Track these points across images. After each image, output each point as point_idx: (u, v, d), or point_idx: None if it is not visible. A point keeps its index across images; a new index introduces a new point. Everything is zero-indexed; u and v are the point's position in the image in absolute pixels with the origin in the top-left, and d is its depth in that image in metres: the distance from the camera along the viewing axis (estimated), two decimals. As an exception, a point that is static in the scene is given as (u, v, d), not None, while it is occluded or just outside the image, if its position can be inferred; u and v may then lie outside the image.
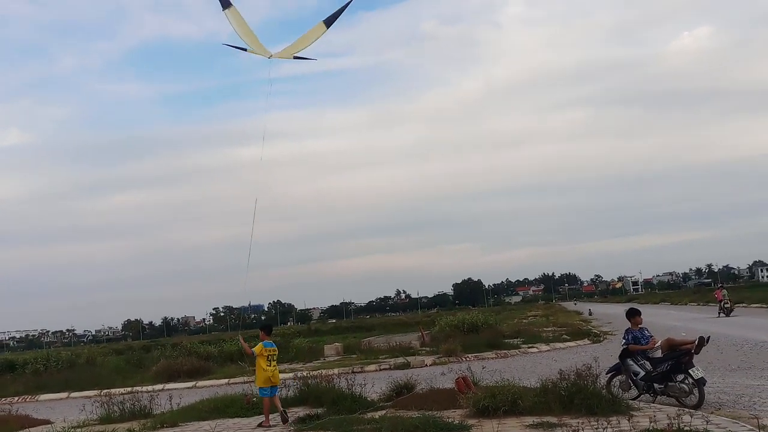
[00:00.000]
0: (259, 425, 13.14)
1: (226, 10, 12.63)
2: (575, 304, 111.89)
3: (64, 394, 26.58)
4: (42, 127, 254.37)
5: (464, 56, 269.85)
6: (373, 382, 16.95)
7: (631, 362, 12.89)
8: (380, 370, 24.96)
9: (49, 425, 15.75)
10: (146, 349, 51.09)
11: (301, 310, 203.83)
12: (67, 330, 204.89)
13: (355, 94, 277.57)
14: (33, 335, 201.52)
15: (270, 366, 13.23)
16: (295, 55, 12.93)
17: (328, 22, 12.85)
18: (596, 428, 7.40)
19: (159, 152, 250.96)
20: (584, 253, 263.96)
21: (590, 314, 60.93)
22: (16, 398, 25.43)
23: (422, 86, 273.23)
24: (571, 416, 10.59)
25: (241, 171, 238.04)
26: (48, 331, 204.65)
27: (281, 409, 13.21)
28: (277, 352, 13.82)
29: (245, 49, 12.79)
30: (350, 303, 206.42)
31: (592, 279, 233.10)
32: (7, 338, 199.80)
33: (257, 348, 13.35)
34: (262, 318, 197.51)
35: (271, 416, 13.01)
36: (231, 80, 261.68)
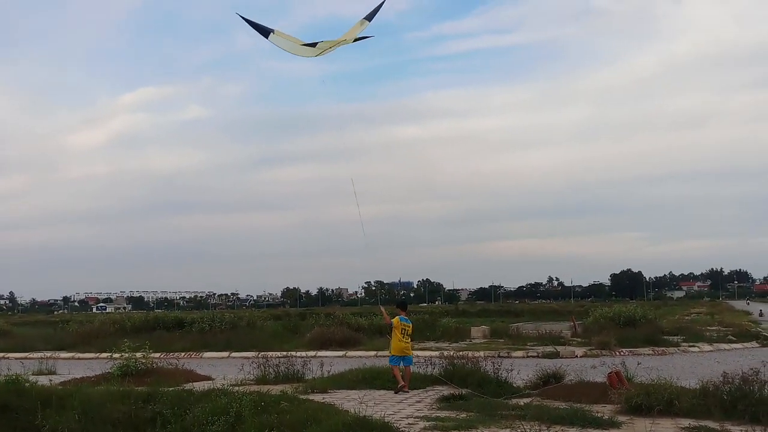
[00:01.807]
0: (399, 390, 13.98)
1: (271, 36, 12.76)
2: (748, 303, 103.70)
3: (225, 353, 28.40)
4: (219, 103, 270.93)
5: (639, 32, 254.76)
6: (520, 368, 16.70)
7: (805, 371, 11.80)
8: (527, 357, 24.58)
9: (211, 381, 16.87)
10: (302, 316, 53.33)
11: (449, 290, 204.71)
12: (232, 293, 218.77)
13: (522, 71, 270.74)
14: (201, 296, 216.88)
15: (404, 338, 14.40)
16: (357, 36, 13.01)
17: (369, 17, 12.92)
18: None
19: (323, 129, 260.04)
20: (759, 248, 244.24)
21: (761, 315, 56.53)
22: (183, 354, 27.47)
23: (593, 64, 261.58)
24: (732, 423, 9.90)
25: (397, 149, 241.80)
26: (214, 294, 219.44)
27: (407, 382, 14.23)
28: (411, 328, 14.87)
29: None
30: (500, 286, 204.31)
31: (765, 277, 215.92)
32: (177, 298, 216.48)
33: (395, 320, 14.50)
34: (411, 295, 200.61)
35: None
36: (393, 59, 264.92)
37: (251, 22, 12.69)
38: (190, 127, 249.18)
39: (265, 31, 12.72)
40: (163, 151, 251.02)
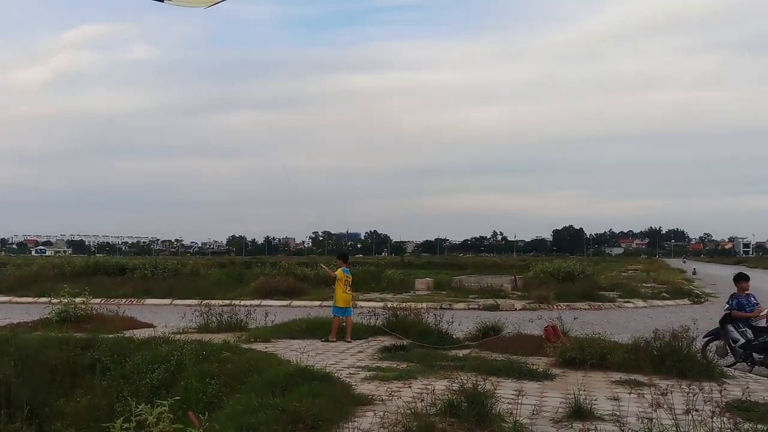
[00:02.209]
0: (326, 340, 14.38)
1: None
2: (684, 261, 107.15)
3: (167, 301, 28.18)
4: (167, 42, 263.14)
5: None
6: (461, 320, 17.04)
7: (731, 328, 12.37)
8: (469, 309, 25.06)
9: (152, 329, 16.77)
10: (247, 265, 53.11)
11: (396, 242, 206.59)
12: (176, 240, 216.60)
13: (477, 26, 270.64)
14: (144, 242, 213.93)
15: (348, 290, 14.88)
16: None
17: None
18: (686, 392, 7.14)
19: (277, 74, 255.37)
20: (696, 208, 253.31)
21: (694, 273, 58.68)
22: (124, 300, 27.14)
23: (547, 22, 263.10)
24: (660, 377, 10.30)
25: (351, 99, 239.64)
26: (158, 240, 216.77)
27: (348, 333, 14.71)
28: (351, 279, 15.33)
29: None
30: (445, 240, 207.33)
31: (700, 237, 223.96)
32: (119, 243, 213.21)
33: (338, 272, 14.81)
34: (358, 246, 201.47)
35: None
36: (350, 7, 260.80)
37: None
38: (135, 67, 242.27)
39: None
40: (106, 92, 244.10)
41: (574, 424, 7.68)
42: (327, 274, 15.88)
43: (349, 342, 14.33)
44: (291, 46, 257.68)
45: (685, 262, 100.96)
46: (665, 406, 6.85)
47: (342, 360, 12.08)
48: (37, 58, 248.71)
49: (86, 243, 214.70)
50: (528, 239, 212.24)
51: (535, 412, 8.19)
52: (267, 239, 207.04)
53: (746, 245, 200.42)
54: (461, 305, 25.88)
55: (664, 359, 10.84)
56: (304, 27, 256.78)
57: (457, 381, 8.13)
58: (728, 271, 46.24)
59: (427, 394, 8.11)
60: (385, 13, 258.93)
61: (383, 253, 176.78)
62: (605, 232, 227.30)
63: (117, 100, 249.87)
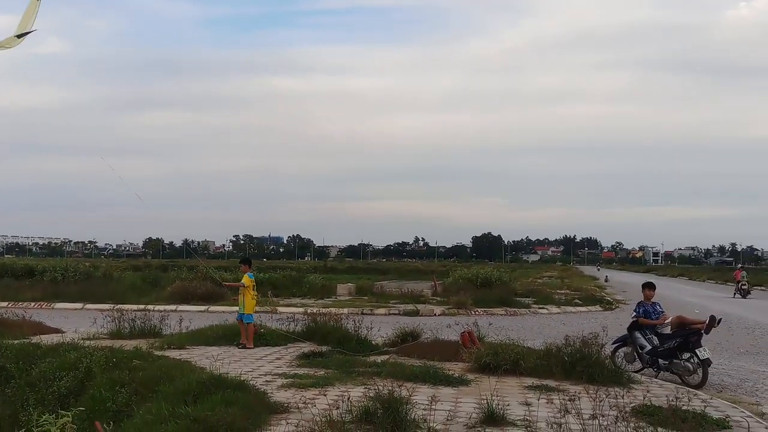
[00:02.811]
0: (242, 346, 14.24)
1: None
2: (598, 269, 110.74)
3: (79, 305, 27.18)
4: (82, 38, 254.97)
5: (513, 8, 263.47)
6: (380, 326, 17.07)
7: (638, 335, 12.84)
8: (389, 314, 25.18)
9: (61, 334, 16.12)
10: (164, 268, 51.85)
11: (319, 246, 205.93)
12: (89, 242, 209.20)
13: (401, 34, 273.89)
14: (56, 243, 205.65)
15: (255, 295, 14.98)
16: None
17: None
18: (593, 397, 7.39)
19: (196, 74, 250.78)
20: (608, 218, 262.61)
21: (606, 281, 60.80)
22: (33, 304, 26.04)
23: (467, 33, 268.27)
24: (571, 382, 10.61)
25: (274, 101, 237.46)
26: (70, 241, 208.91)
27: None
28: (255, 284, 15.42)
29: None
30: (368, 245, 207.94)
31: (612, 245, 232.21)
32: (30, 244, 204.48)
33: (246, 279, 14.63)
34: (281, 250, 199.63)
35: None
36: (274, 8, 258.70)
37: None
38: (47, 62, 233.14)
39: None
40: (16, 87, 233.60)
41: (486, 430, 7.82)
42: (234, 287, 15.66)
43: (251, 348, 14.23)
44: (213, 46, 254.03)
45: (599, 270, 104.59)
46: (573, 412, 7.07)
47: (259, 367, 11.93)
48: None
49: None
50: (449, 245, 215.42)
51: (449, 418, 8.30)
52: (185, 242, 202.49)
53: (656, 254, 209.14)
54: (382, 311, 25.99)
55: (575, 365, 11.16)
56: (227, 27, 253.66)
57: (373, 388, 8.16)
58: (638, 279, 48.14)
59: (344, 401, 8.10)
60: (309, 17, 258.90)
61: (306, 258, 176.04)
62: (522, 239, 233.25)
63: (30, 96, 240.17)
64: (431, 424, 7.64)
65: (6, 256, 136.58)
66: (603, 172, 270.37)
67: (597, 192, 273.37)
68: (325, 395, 8.84)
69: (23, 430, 6.32)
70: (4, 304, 21.86)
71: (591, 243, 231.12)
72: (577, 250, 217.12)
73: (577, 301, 32.66)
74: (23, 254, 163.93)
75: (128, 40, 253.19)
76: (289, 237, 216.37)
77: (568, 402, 7.26)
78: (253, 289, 14.77)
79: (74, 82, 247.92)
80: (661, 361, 12.47)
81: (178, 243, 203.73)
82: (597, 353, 11.42)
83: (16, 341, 13.37)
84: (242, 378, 9.51)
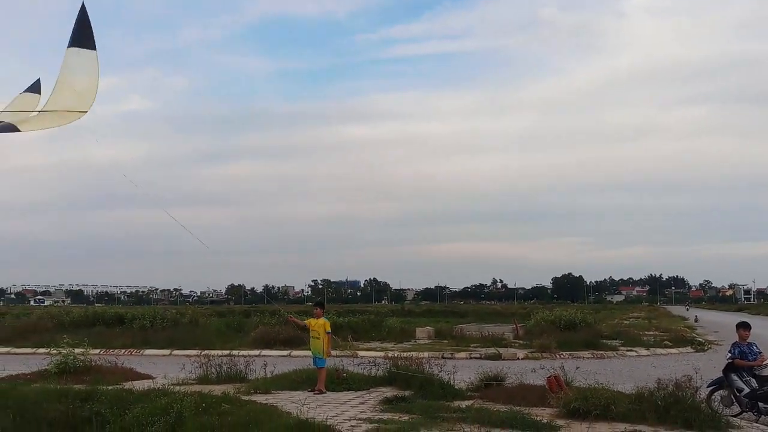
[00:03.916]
0: (319, 391, 14.18)
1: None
2: (687, 309, 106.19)
3: (167, 351, 27.93)
4: (162, 95, 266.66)
5: (582, 45, 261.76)
6: (462, 370, 16.92)
7: (735, 377, 12.27)
8: (470, 358, 24.85)
9: (151, 380, 16.60)
10: (246, 314, 52.75)
11: (396, 289, 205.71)
12: (174, 289, 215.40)
13: (468, 78, 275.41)
14: (142, 291, 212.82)
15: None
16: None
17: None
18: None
19: (272, 126, 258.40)
20: (695, 256, 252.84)
21: (696, 321, 58.34)
22: (123, 351, 26.88)
23: (537, 74, 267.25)
24: (665, 427, 10.23)
25: (347, 149, 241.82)
26: (156, 289, 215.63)
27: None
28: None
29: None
30: (445, 287, 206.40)
31: (701, 284, 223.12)
32: (118, 292, 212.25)
33: (326, 323, 14.75)
34: (358, 294, 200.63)
35: None
36: (343, 60, 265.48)
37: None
38: (131, 119, 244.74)
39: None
40: (104, 143, 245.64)
41: (579, 478, 7.59)
42: (301, 325, 15.82)
43: (325, 392, 14.27)
44: (285, 99, 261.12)
45: (688, 309, 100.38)
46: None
47: (343, 412, 11.96)
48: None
49: (85, 293, 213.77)
50: (528, 287, 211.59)
51: (539, 465, 8.09)
52: (266, 288, 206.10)
53: (747, 292, 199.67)
54: (463, 354, 25.67)
55: (669, 409, 10.76)
56: (298, 79, 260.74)
57: (460, 433, 8.06)
58: (730, 318, 46.07)
59: (431, 446, 8.03)
60: (376, 66, 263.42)
61: (383, 301, 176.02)
62: (605, 279, 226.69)
63: (114, 151, 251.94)
64: (522, 471, 7.47)
65: (97, 304, 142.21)
66: (687, 208, 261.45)
67: (681, 229, 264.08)
68: (411, 441, 8.78)
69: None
70: (97, 351, 22.65)
71: (678, 282, 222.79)
72: (663, 290, 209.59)
73: (666, 342, 31.44)
74: (112, 302, 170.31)
75: (205, 94, 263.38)
76: (365, 281, 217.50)
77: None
78: (328, 332, 14.73)
79: (155, 137, 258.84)
80: (761, 404, 11.86)
81: (259, 289, 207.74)
82: (692, 397, 11.00)
83: (110, 387, 13.84)
84: (328, 422, 9.57)
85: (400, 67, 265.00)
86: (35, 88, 10.51)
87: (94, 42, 10.13)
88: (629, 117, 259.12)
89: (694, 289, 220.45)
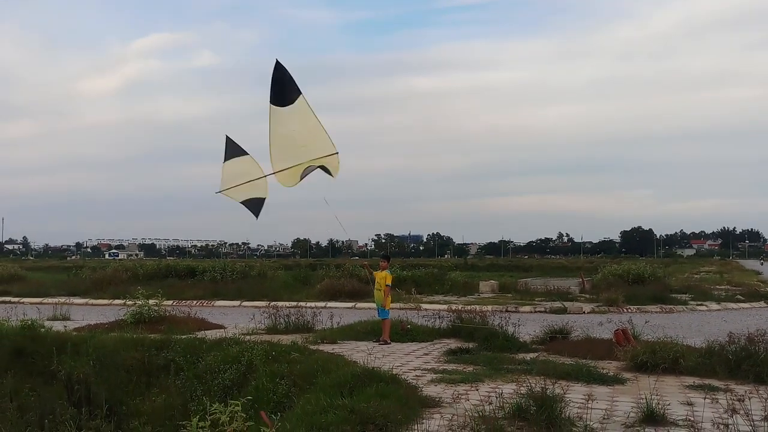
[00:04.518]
0: (384, 341, 14.33)
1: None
2: (762, 263, 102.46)
3: (236, 302, 28.77)
4: (232, 50, 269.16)
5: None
6: (527, 323, 16.87)
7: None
8: (535, 312, 24.76)
9: (223, 330, 17.16)
10: (312, 267, 53.70)
11: (459, 244, 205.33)
12: (243, 243, 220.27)
13: (540, 24, 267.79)
14: (212, 245, 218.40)
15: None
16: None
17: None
18: (764, 398, 6.91)
19: (339, 78, 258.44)
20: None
21: (771, 275, 56.46)
22: (195, 302, 27.79)
23: (611, 18, 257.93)
24: (736, 382, 10.00)
25: (413, 101, 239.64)
26: (225, 243, 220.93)
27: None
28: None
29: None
30: (509, 241, 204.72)
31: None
32: (189, 246, 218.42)
33: (388, 276, 14.79)
34: (421, 248, 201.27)
35: None
36: (410, 8, 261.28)
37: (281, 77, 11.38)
38: (202, 74, 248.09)
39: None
40: (174, 99, 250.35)
41: (646, 429, 7.53)
42: (373, 277, 15.49)
43: (389, 342, 14.42)
44: (352, 51, 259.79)
45: (762, 264, 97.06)
46: (742, 412, 6.66)
47: (408, 362, 12.13)
48: (108, 67, 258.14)
49: (157, 246, 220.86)
50: (595, 240, 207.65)
51: (605, 417, 8.06)
52: (330, 242, 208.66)
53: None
54: (527, 308, 25.59)
55: (740, 363, 10.52)
56: (364, 31, 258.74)
57: (525, 384, 8.07)
58: (808, 273, 44.35)
59: (495, 397, 8.09)
60: (445, 14, 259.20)
61: (446, 256, 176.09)
62: (676, 233, 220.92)
63: (184, 107, 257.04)
64: (588, 423, 7.46)
65: (168, 258, 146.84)
66: (764, 159, 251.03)
67: (757, 180, 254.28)
68: (476, 390, 8.83)
69: (196, 417, 6.78)
70: (170, 302, 23.46)
71: (752, 235, 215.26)
72: (736, 243, 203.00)
73: (738, 297, 30.60)
74: (184, 256, 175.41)
75: (273, 49, 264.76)
76: (428, 235, 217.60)
77: (736, 402, 6.84)
78: (387, 285, 14.82)
79: (224, 92, 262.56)
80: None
81: (324, 243, 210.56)
82: (765, 351, 10.69)
83: (183, 337, 14.39)
84: (394, 372, 9.72)
85: (467, 14, 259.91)
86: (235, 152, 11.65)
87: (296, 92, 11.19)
88: (707, 64, 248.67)
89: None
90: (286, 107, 11.50)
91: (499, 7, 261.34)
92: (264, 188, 12.10)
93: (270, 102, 11.50)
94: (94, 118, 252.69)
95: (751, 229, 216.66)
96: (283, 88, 11.51)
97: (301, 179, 11.86)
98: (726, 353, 10.89)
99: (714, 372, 10.57)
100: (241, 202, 12.12)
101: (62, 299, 28.69)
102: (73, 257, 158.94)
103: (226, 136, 12.15)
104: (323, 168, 11.80)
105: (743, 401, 6.85)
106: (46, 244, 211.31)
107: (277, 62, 11.46)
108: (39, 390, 12.51)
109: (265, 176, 11.92)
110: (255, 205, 12.12)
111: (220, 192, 11.95)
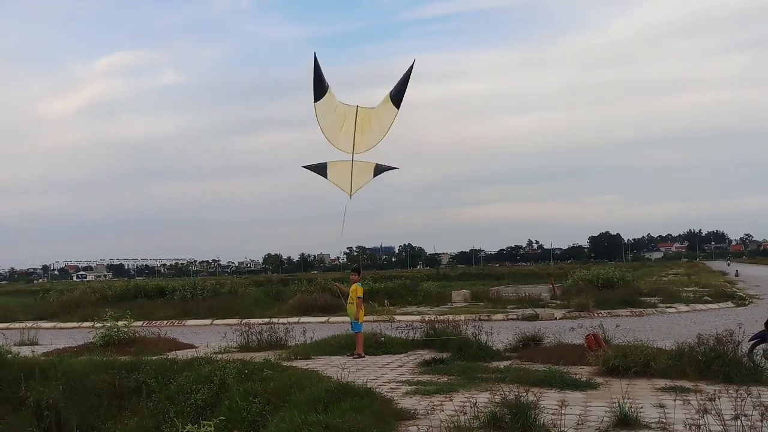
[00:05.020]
0: (358, 355, 14.25)
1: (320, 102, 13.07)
2: (728, 264, 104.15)
3: (207, 321, 28.46)
4: (196, 67, 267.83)
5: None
6: (500, 331, 16.96)
7: (778, 331, 12.08)
8: (507, 319, 24.87)
9: (194, 349, 16.95)
10: (284, 282, 53.44)
11: (430, 254, 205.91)
12: (213, 260, 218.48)
13: (503, 35, 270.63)
14: (182, 263, 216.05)
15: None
16: (377, 169, 13.92)
17: (397, 101, 13.22)
18: (734, 397, 7.01)
19: (302, 93, 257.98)
20: (735, 209, 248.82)
21: (737, 275, 57.51)
22: (165, 322, 27.42)
23: (572, 27, 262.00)
24: (706, 383, 10.13)
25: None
26: (195, 261, 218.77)
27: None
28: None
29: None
30: (480, 250, 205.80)
31: (741, 238, 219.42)
32: (158, 265, 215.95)
33: (359, 288, 14.74)
34: (393, 260, 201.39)
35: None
36: (374, 21, 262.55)
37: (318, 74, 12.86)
38: (165, 93, 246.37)
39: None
40: (138, 118, 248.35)
41: (620, 433, 7.59)
42: (346, 294, 15.40)
43: (364, 356, 14.35)
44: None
45: (728, 264, 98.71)
46: (713, 412, 6.74)
47: (382, 375, 12.09)
48: (71, 87, 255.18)
49: (126, 267, 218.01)
50: (564, 247, 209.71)
51: (579, 423, 8.11)
52: (302, 256, 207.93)
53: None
54: (500, 316, 25.71)
55: (710, 364, 10.67)
56: (329, 46, 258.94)
57: (499, 393, 8.09)
58: (772, 272, 45.22)
59: (470, 407, 8.08)
60: (408, 27, 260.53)
61: (418, 266, 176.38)
62: (643, 236, 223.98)
63: (149, 125, 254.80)
64: (562, 429, 7.50)
65: (137, 278, 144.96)
66: (726, 161, 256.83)
67: (720, 182, 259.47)
68: (450, 401, 8.84)
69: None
70: (140, 323, 23.15)
71: (718, 237, 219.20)
72: (702, 245, 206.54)
73: (706, 298, 31.10)
74: (153, 276, 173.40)
75: (235, 65, 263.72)
76: (400, 246, 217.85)
77: (707, 402, 6.93)
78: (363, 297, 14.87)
79: (189, 110, 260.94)
80: (805, 357, 11.67)
81: (295, 257, 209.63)
82: (733, 351, 10.86)
83: (154, 358, 14.18)
84: (368, 386, 9.69)
85: (432, 27, 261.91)
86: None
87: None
88: (667, 70, 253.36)
89: (734, 243, 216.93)
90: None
91: (461, 18, 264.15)
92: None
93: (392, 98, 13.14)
94: (57, 139, 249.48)
95: (716, 230, 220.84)
96: (321, 82, 13.00)
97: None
98: (696, 354, 11.03)
99: (684, 373, 10.70)
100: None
101: (29, 323, 28.07)
102: (40, 280, 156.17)
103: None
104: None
105: (714, 401, 6.94)
106: (12, 268, 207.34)
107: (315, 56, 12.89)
108: (7, 417, 12.24)
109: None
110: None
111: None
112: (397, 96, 13.08)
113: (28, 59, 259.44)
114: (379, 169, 13.99)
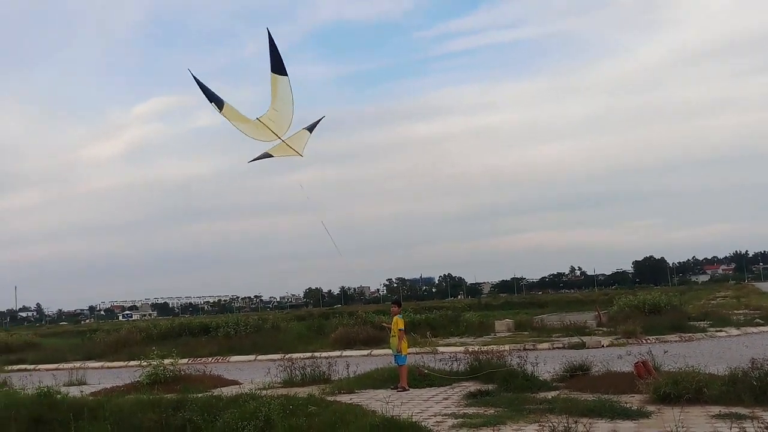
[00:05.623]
0: (402, 388, 14.14)
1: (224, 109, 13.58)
2: None
3: (251, 357, 28.57)
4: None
5: (644, 22, 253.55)
6: (546, 361, 16.67)
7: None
8: (553, 348, 24.47)
9: (238, 386, 17.01)
10: (325, 316, 53.31)
11: (471, 284, 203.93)
12: (255, 296, 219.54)
13: (530, 65, 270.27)
14: (225, 300, 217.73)
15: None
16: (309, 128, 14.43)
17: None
18: (793, 425, 6.79)
19: (335, 131, 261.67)
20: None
21: (788, 297, 55.80)
22: (210, 359, 27.65)
23: (601, 55, 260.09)
24: (763, 409, 9.82)
25: (413, 147, 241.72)
26: (238, 297, 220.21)
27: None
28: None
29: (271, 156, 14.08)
30: (522, 278, 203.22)
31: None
32: (201, 302, 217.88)
33: (399, 321, 14.64)
34: (433, 290, 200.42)
35: None
36: (403, 59, 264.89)
37: (202, 86, 13.24)
38: (202, 135, 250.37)
39: (216, 100, 13.42)
40: (177, 159, 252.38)
41: (675, 464, 7.37)
42: (393, 328, 15.13)
43: (408, 389, 14.19)
44: (348, 103, 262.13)
45: None
46: (772, 440, 6.53)
47: (427, 408, 11.97)
48: (111, 132, 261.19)
49: (170, 305, 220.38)
50: (608, 272, 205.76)
51: (632, 453, 7.90)
52: (342, 289, 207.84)
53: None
54: (545, 345, 25.31)
55: (766, 389, 10.35)
56: (357, 84, 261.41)
57: (548, 424, 7.94)
58: (826, 292, 43.80)
59: (518, 439, 7.94)
60: (436, 62, 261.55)
61: (459, 296, 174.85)
62: (688, 259, 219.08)
63: (186, 167, 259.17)
64: (614, 460, 7.32)
65: (182, 316, 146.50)
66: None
67: (765, 202, 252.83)
68: (498, 433, 8.71)
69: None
70: (185, 360, 23.35)
71: (765, 257, 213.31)
72: (750, 266, 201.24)
73: (758, 320, 30.23)
74: (197, 313, 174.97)
75: (269, 106, 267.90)
76: (440, 277, 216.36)
77: (765, 430, 6.71)
78: (400, 329, 14.67)
79: (226, 151, 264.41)
80: None
81: (335, 291, 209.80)
82: (790, 376, 10.52)
83: (199, 395, 14.25)
84: (414, 419, 9.59)
85: (459, 61, 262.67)
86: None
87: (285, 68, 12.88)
88: (698, 93, 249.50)
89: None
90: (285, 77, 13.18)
91: (487, 51, 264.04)
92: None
93: (272, 71, 13.23)
94: (99, 184, 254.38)
95: (764, 251, 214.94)
96: (279, 59, 13.16)
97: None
98: (750, 379, 10.74)
99: (739, 399, 10.40)
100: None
101: (78, 364, 28.54)
102: (87, 321, 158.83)
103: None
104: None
105: (772, 429, 6.72)
106: (60, 310, 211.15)
107: (269, 32, 12.99)
108: (58, 458, 12.34)
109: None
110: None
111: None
112: (276, 66, 13.38)
113: (68, 107, 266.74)
114: (311, 127, 14.43)
